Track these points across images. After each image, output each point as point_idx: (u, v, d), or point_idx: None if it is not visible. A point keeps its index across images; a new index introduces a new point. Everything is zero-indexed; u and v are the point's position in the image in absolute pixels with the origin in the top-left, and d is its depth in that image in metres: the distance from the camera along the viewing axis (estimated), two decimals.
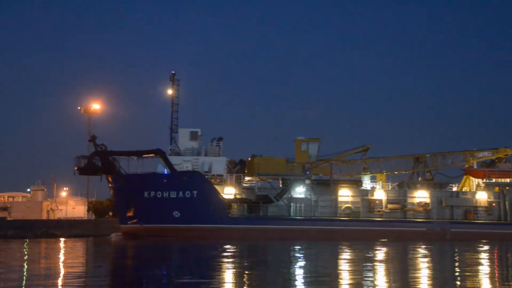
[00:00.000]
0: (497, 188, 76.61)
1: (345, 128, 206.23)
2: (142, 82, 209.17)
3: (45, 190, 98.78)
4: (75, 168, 71.13)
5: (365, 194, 74.49)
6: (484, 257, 47.52)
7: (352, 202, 73.84)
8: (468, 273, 34.74)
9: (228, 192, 72.18)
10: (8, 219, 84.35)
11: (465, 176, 78.61)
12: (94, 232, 77.03)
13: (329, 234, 69.91)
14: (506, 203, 75.75)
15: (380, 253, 49.94)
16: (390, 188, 76.19)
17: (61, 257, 44.78)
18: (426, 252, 52.70)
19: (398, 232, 71.08)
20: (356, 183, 74.85)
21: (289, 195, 72.44)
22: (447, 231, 72.79)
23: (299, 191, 72.85)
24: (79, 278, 31.27)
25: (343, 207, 73.53)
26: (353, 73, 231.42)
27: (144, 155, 71.52)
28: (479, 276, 33.56)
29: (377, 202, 74.16)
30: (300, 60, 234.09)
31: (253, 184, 73.74)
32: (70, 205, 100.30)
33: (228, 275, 32.83)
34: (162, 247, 56.89)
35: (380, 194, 74.65)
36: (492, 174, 76.37)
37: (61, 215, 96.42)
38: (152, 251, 52.40)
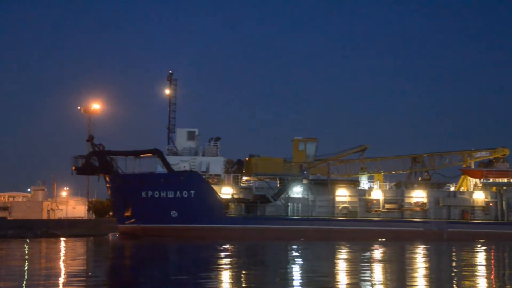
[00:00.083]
0: (494, 188, 76.70)
1: (343, 128, 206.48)
2: (141, 82, 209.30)
3: (46, 190, 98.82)
4: (73, 168, 71.21)
5: (362, 194, 74.58)
6: (481, 257, 47.69)
7: (349, 202, 73.92)
8: (464, 273, 34.87)
9: (226, 192, 72.23)
10: (9, 219, 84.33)
11: (462, 176, 78.70)
12: (95, 232, 77.10)
13: (326, 234, 70.00)
14: (503, 203, 75.83)
15: (378, 253, 50.09)
16: (387, 188, 76.32)
17: (61, 256, 44.92)
18: (423, 252, 52.84)
19: (395, 232, 71.18)
20: (353, 183, 74.94)
21: (287, 195, 72.53)
22: (444, 231, 72.92)
23: (297, 191, 72.95)
24: (79, 278, 31.37)
25: (340, 207, 73.61)
26: (351, 73, 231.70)
27: (141, 155, 71.57)
28: (476, 276, 33.67)
29: (375, 202, 74.24)
30: (298, 60, 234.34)
31: (251, 184, 73.87)
32: (70, 205, 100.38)
33: (225, 275, 32.90)
34: (159, 247, 57.03)
35: (377, 194, 74.75)
36: (490, 174, 76.47)
37: (62, 215, 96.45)
38: (149, 251, 52.56)
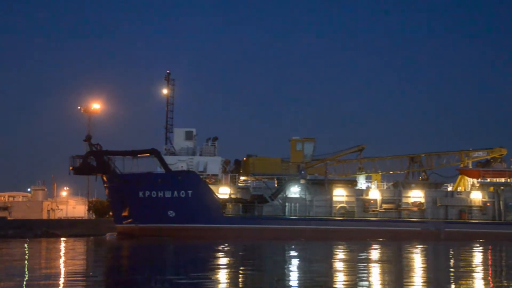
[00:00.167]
0: (491, 188, 76.76)
1: (341, 128, 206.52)
2: (139, 81, 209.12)
3: (46, 189, 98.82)
4: (70, 168, 71.27)
5: (359, 194, 74.63)
6: (478, 257, 47.75)
7: (346, 202, 73.98)
8: (461, 273, 34.93)
9: (223, 192, 72.31)
10: (9, 218, 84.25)
11: (460, 176, 78.75)
12: (95, 232, 77.10)
13: (323, 234, 70.05)
14: (501, 202, 75.88)
15: (375, 253, 50.16)
16: (385, 188, 76.38)
17: (61, 256, 44.98)
18: (420, 251, 52.90)
19: (392, 232, 71.21)
20: (351, 183, 75.00)
21: (284, 195, 72.58)
22: (442, 231, 72.97)
23: (294, 191, 73.00)
24: (78, 278, 31.43)
25: (337, 207, 73.68)
26: (348, 73, 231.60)
27: (139, 155, 71.63)
28: (473, 276, 33.73)
29: (372, 202, 74.30)
30: (296, 60, 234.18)
31: (248, 184, 73.92)
32: (70, 204, 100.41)
33: (223, 275, 32.93)
34: (157, 247, 57.08)
35: (374, 194, 74.81)
36: (487, 174, 76.53)
37: (62, 215, 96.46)
38: (146, 251, 52.65)
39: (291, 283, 30.15)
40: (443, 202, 75.15)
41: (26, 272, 33.23)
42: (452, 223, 74.10)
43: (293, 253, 51.02)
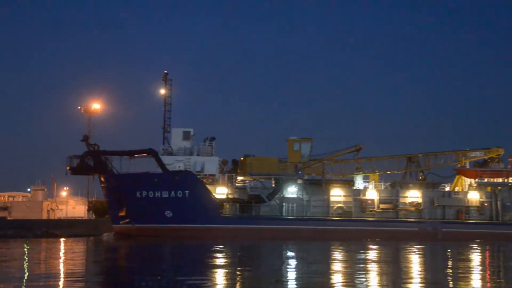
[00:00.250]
0: (489, 188, 76.78)
1: (338, 128, 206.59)
2: (137, 81, 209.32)
3: (45, 190, 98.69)
4: (67, 168, 71.24)
5: (357, 194, 74.62)
6: (475, 257, 47.80)
7: (344, 202, 74.00)
8: (459, 272, 34.96)
9: (220, 192, 72.29)
10: (8, 218, 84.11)
11: (457, 176, 78.79)
12: (95, 232, 77.01)
13: (321, 234, 70.05)
14: (498, 203, 75.93)
15: (372, 253, 50.21)
16: (382, 188, 76.38)
17: (61, 256, 45.02)
18: (417, 252, 52.94)
19: (390, 232, 71.24)
20: (348, 183, 75.00)
21: (281, 195, 72.58)
22: (439, 231, 72.99)
23: (291, 191, 72.99)
24: (78, 277, 31.45)
25: (335, 207, 73.68)
26: (346, 73, 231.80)
27: (136, 155, 71.59)
28: (471, 276, 33.76)
29: (369, 202, 74.28)
30: (293, 60, 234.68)
31: (246, 184, 73.92)
32: (70, 205, 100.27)
33: (220, 275, 32.92)
34: (154, 247, 57.10)
35: (372, 194, 74.81)
36: (484, 174, 76.54)
37: (61, 215, 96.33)
38: (144, 251, 52.66)
39: (289, 283, 30.15)
40: (441, 202, 75.17)
41: (26, 272, 33.19)
42: (450, 223, 74.12)
43: (290, 253, 51.02)
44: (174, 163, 71.81)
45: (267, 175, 73.56)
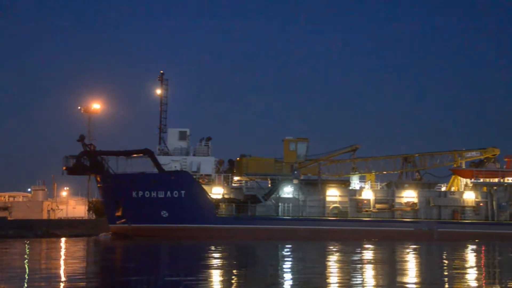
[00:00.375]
0: (485, 188, 76.90)
1: (334, 128, 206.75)
2: (135, 82, 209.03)
3: (46, 190, 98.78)
4: (64, 168, 71.32)
5: (353, 194, 74.69)
6: (471, 257, 47.95)
7: (340, 202, 74.07)
8: (455, 273, 35.07)
9: (216, 192, 72.36)
10: (9, 218, 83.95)
11: (453, 176, 78.88)
12: (95, 232, 76.97)
13: (317, 234, 70.16)
14: (494, 203, 76.03)
15: (368, 254, 50.34)
16: (378, 188, 76.48)
17: (62, 256, 45.13)
18: (413, 252, 53.09)
19: (385, 232, 71.35)
20: (344, 183, 75.09)
21: (277, 195, 72.64)
22: (434, 231, 73.10)
23: (287, 191, 73.07)
24: (77, 277, 31.53)
25: (331, 207, 73.79)
26: (343, 73, 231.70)
27: (132, 155, 71.68)
28: (466, 276, 33.87)
29: (365, 202, 74.35)
30: (290, 60, 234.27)
31: (242, 184, 74.01)
32: (70, 205, 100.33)
33: (216, 275, 32.99)
34: (150, 247, 57.23)
35: (368, 194, 74.90)
36: (480, 174, 76.65)
37: (62, 215, 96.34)
38: (140, 252, 52.79)
39: (285, 283, 30.25)
40: (436, 202, 75.28)
41: (27, 273, 33.26)
42: (445, 223, 74.25)
43: (286, 253, 51.16)
44: (170, 163, 71.90)
45: (263, 175, 73.63)
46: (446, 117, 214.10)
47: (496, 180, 77.16)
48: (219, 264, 39.78)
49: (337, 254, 50.22)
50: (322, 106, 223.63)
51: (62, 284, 28.81)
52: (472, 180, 76.86)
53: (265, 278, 32.31)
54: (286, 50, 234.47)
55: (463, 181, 78.13)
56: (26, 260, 41.50)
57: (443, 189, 78.30)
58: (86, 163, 70.86)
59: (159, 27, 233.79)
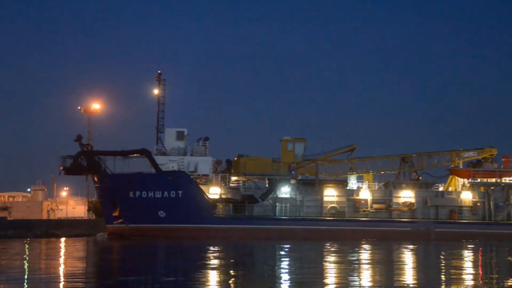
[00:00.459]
0: (482, 188, 76.92)
1: (332, 128, 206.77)
2: (132, 82, 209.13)
3: (46, 190, 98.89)
4: (61, 168, 71.26)
5: (350, 194, 74.69)
6: (468, 257, 47.96)
7: (337, 202, 74.08)
8: (452, 272, 35.08)
9: (214, 192, 72.32)
10: (9, 219, 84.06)
11: (450, 176, 78.91)
12: (94, 232, 76.96)
13: (314, 234, 70.18)
14: (491, 203, 76.06)
15: (365, 254, 50.34)
16: (376, 188, 76.50)
17: (62, 256, 45.10)
18: (410, 252, 53.10)
19: (383, 232, 71.41)
20: (341, 183, 75.07)
21: (275, 195, 72.63)
22: (432, 231, 73.14)
23: (285, 191, 73.05)
24: (77, 277, 31.54)
25: (328, 207, 73.78)
26: (341, 73, 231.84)
27: (129, 155, 71.62)
28: (463, 276, 33.88)
29: (363, 202, 74.35)
30: (288, 60, 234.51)
31: (239, 184, 74.00)
32: (70, 205, 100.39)
33: (213, 276, 32.93)
34: (148, 247, 57.20)
35: (365, 194, 74.89)
36: (477, 174, 76.66)
37: (62, 215, 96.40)
38: (138, 252, 52.74)
39: (281, 282, 30.25)
40: (434, 202, 75.29)
41: (27, 273, 33.24)
42: (443, 223, 74.27)
43: (283, 253, 51.17)
44: (168, 163, 71.86)
45: (261, 175, 73.62)
46: (444, 117, 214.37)
47: (493, 180, 77.19)
48: (216, 264, 39.77)
49: (334, 254, 50.20)
50: (320, 106, 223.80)
51: (61, 284, 28.80)
52: (470, 180, 76.90)
53: (262, 278, 32.29)
54: (285, 50, 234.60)
55: (461, 181, 78.16)
56: (26, 261, 41.49)
57: (441, 189, 78.33)
58: (83, 163, 70.82)
59: (158, 27, 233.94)
